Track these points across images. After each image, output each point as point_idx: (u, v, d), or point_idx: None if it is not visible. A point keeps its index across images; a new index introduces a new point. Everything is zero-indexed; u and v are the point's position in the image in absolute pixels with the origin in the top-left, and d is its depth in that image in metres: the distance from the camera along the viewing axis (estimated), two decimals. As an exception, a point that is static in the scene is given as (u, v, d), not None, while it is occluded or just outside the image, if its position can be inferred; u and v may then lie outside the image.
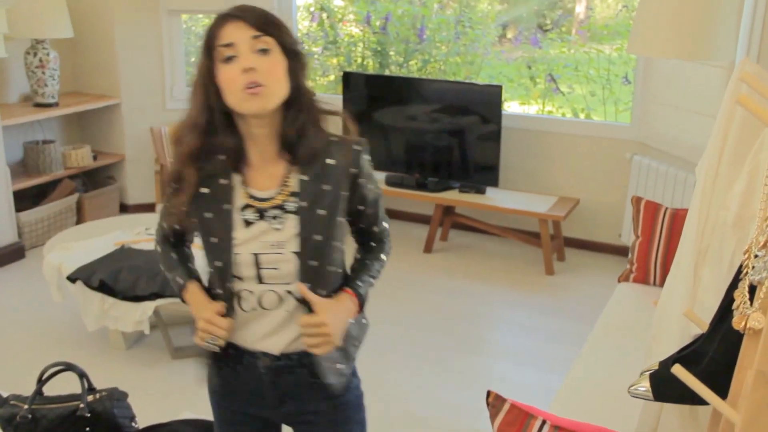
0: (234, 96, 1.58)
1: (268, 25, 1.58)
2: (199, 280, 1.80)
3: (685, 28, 2.98)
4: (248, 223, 1.65)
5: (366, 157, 1.73)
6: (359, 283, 1.76)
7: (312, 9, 6.55)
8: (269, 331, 1.71)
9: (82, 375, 2.40)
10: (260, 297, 1.68)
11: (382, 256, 1.84)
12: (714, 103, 4.11)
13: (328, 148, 1.68)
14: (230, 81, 1.57)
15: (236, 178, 1.68)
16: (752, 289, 1.23)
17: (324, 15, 6.53)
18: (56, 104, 5.34)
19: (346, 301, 1.72)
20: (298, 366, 1.73)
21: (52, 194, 5.35)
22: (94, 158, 5.62)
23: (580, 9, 6.68)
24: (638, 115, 5.06)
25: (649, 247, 3.66)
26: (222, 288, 1.69)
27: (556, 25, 6.48)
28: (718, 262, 1.73)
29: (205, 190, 1.67)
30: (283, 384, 1.76)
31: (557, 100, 6.04)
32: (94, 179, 5.78)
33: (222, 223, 1.66)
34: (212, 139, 1.64)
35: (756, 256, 1.24)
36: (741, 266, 1.33)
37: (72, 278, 3.64)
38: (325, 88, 6.59)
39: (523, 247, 5.37)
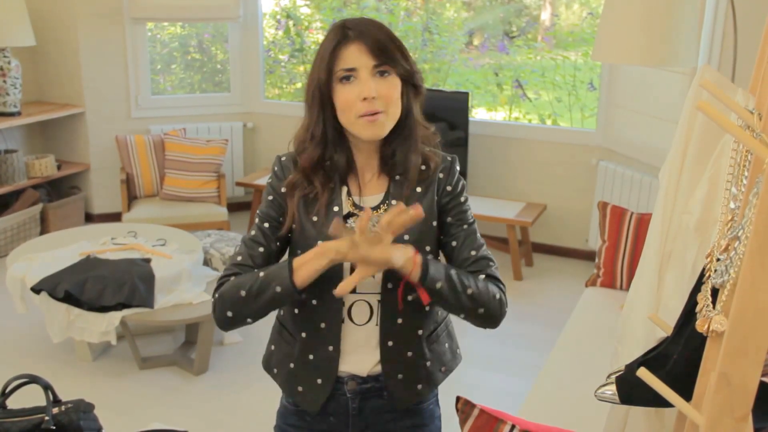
0: (349, 119, 1.57)
1: (389, 50, 1.55)
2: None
3: (648, 35, 3.02)
4: (351, 231, 1.61)
5: (457, 169, 1.72)
6: (433, 261, 1.60)
7: (278, 17, 6.54)
8: (357, 349, 1.66)
9: (46, 387, 2.36)
10: (351, 307, 1.64)
11: (490, 286, 1.63)
12: (677, 108, 4.17)
13: (423, 159, 1.66)
14: (347, 104, 1.56)
15: (343, 186, 1.66)
16: (715, 293, 1.25)
17: (290, 23, 6.52)
18: (18, 113, 5.27)
19: (409, 249, 1.54)
20: (385, 388, 1.69)
21: (15, 204, 5.27)
22: (58, 168, 5.55)
23: (545, 16, 6.74)
24: (603, 121, 5.11)
25: (615, 252, 3.70)
26: (320, 297, 1.63)
27: (522, 32, 6.53)
28: (682, 266, 1.75)
29: (314, 196, 1.64)
30: (368, 410, 1.70)
31: (524, 106, 6.08)
32: (58, 189, 5.70)
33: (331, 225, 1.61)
34: (326, 150, 1.63)
35: (718, 260, 1.26)
36: (703, 270, 1.34)
37: (36, 289, 3.59)
38: (292, 95, 6.58)
39: (492, 253, 5.39)
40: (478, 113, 6.12)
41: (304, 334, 1.68)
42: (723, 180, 1.54)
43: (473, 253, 1.68)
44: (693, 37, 3.11)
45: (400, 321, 1.65)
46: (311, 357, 1.68)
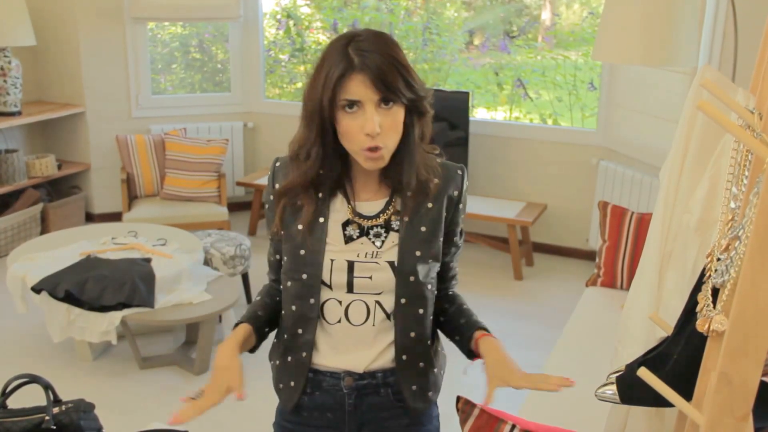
0: (351, 148, 1.55)
1: (393, 82, 1.49)
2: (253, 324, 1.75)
3: (648, 35, 3.02)
4: (349, 239, 1.63)
5: (467, 183, 1.71)
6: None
7: (279, 17, 6.54)
8: (354, 347, 1.66)
9: (47, 387, 2.36)
10: (348, 308, 1.64)
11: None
12: (677, 108, 4.17)
13: (432, 171, 1.65)
14: (349, 134, 1.52)
15: (339, 193, 1.66)
16: (715, 292, 1.25)
17: (291, 22, 6.52)
18: (19, 113, 5.27)
19: (498, 342, 1.74)
20: (383, 385, 1.69)
21: (16, 204, 5.27)
22: (59, 167, 5.55)
23: (545, 16, 6.74)
24: (604, 120, 5.11)
25: (615, 252, 3.70)
26: (305, 301, 1.64)
27: (523, 31, 6.53)
28: (682, 266, 1.75)
29: (301, 203, 1.64)
30: (365, 406, 1.70)
31: (525, 106, 6.09)
32: (58, 188, 5.70)
33: (314, 236, 1.63)
34: (322, 167, 1.61)
35: (718, 259, 1.26)
36: (704, 269, 1.34)
37: (37, 289, 3.59)
38: (293, 95, 6.58)
39: (492, 253, 5.39)
40: (478, 113, 6.12)
41: (285, 336, 1.73)
42: (723, 179, 1.54)
43: (454, 271, 1.82)
44: (693, 37, 3.11)
45: (413, 335, 1.66)
46: (289, 359, 1.72)
